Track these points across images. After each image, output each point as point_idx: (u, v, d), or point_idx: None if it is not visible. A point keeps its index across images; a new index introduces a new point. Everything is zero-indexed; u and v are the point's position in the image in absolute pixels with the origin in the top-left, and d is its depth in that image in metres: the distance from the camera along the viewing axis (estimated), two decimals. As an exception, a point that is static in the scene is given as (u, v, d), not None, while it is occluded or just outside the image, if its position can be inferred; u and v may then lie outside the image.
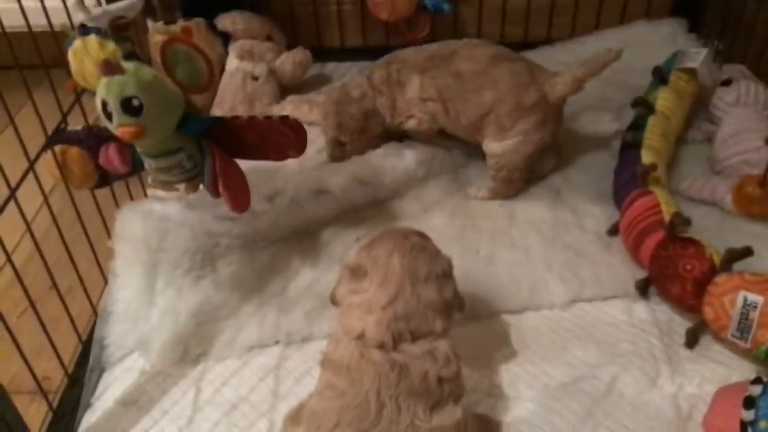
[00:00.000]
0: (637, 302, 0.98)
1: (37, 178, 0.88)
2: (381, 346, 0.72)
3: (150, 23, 0.96)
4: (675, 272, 0.91)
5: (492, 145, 1.13)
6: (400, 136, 1.25)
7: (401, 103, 1.18)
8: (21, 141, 0.82)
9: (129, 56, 0.78)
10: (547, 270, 1.02)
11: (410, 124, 1.19)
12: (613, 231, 1.07)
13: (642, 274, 0.99)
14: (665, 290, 0.94)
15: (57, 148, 0.89)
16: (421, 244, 0.79)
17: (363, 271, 0.77)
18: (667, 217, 0.96)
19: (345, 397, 0.71)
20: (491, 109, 1.10)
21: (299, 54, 1.42)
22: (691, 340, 0.91)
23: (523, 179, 1.16)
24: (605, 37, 1.52)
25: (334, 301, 0.81)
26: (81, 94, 0.94)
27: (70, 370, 0.94)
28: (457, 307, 0.80)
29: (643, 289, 0.98)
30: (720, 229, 1.05)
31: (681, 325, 0.94)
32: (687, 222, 0.94)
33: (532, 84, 1.09)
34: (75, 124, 0.95)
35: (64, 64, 0.85)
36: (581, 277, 1.00)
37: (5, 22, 0.79)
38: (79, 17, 0.80)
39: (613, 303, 0.98)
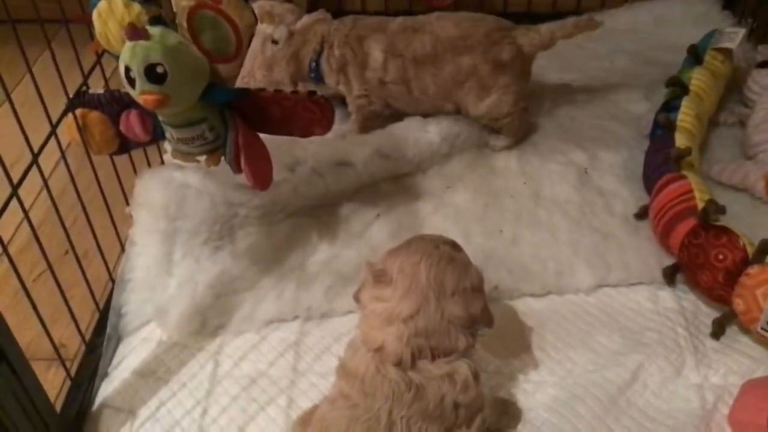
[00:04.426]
0: (663, 289, 0.96)
1: (58, 141, 0.86)
2: (398, 363, 0.70)
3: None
4: (706, 261, 0.89)
5: (477, 107, 1.15)
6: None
7: (354, 76, 1.17)
8: (44, 105, 0.80)
9: (155, 21, 0.75)
10: (573, 253, 1.00)
11: (359, 102, 1.19)
12: (642, 215, 1.05)
13: (669, 260, 0.97)
14: (694, 279, 0.92)
15: (78, 111, 0.86)
16: (450, 255, 0.76)
17: (388, 278, 0.74)
18: (700, 204, 0.94)
19: (356, 409, 0.70)
20: (471, 74, 1.12)
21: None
22: (718, 331, 0.90)
23: (524, 115, 1.18)
24: (637, 10, 1.49)
25: (357, 300, 0.79)
26: (102, 55, 0.91)
27: (87, 338, 0.93)
28: (485, 323, 0.77)
29: (670, 276, 0.96)
30: (750, 216, 1.02)
31: (707, 315, 0.92)
32: (721, 210, 0.91)
33: (504, 39, 1.12)
34: (95, 86, 0.92)
35: (87, 23, 0.81)
36: (607, 261, 0.99)
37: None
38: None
39: (639, 289, 0.96)
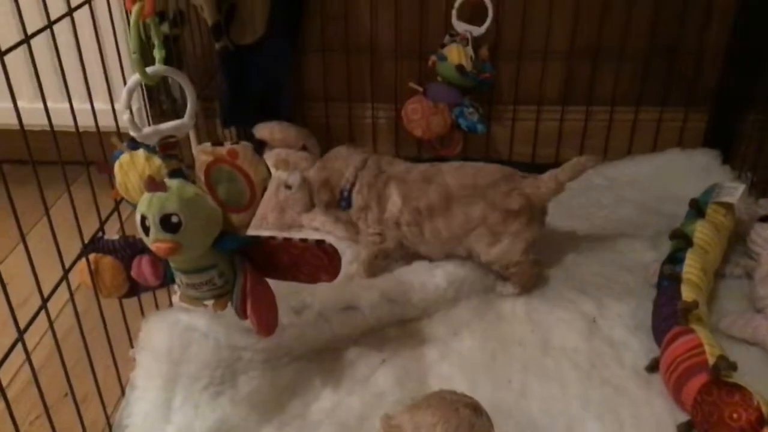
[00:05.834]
0: (678, 449, 0.92)
1: (68, 286, 0.87)
2: None
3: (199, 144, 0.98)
4: (720, 420, 0.86)
5: (487, 253, 1.17)
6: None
7: (372, 217, 1.22)
8: (59, 250, 0.82)
9: (174, 173, 0.79)
10: (584, 407, 0.97)
11: (372, 238, 1.23)
12: (653, 367, 1.02)
13: (683, 416, 0.94)
14: (710, 439, 0.89)
15: (91, 256, 0.88)
16: (470, 421, 0.72)
17: None
18: (710, 359, 0.92)
19: None
20: (480, 222, 1.15)
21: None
22: (738, 497, 0.85)
23: (535, 266, 1.19)
24: (639, 162, 1.54)
25: None
26: (120, 203, 0.94)
27: (76, 489, 0.89)
28: None
29: (685, 434, 0.93)
30: (763, 371, 1.00)
31: (727, 478, 0.88)
32: (733, 366, 0.89)
33: (514, 190, 1.15)
34: (110, 229, 0.94)
35: (108, 174, 0.85)
36: (620, 417, 0.95)
37: (54, 122, 0.81)
38: (130, 134, 0.81)
39: (653, 448, 0.93)
